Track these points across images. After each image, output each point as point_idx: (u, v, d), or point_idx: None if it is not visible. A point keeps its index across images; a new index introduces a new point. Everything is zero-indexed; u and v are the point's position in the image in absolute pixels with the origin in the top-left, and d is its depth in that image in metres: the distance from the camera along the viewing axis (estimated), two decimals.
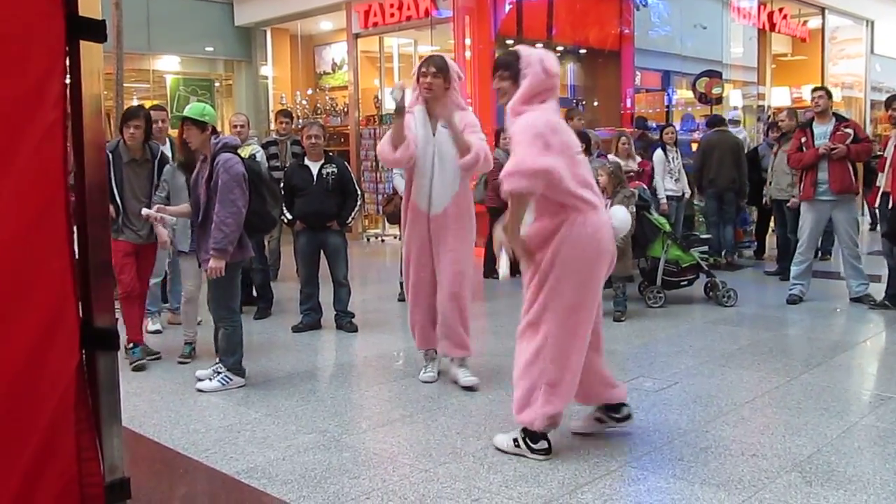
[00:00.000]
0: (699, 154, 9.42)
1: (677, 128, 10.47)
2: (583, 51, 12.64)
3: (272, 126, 11.60)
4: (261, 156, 7.08)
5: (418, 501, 3.17)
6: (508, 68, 3.55)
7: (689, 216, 9.73)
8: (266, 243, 7.41)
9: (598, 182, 4.28)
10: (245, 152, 6.25)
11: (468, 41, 11.42)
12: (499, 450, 3.66)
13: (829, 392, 4.54)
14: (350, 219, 6.41)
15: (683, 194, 9.26)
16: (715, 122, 9.86)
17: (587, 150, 6.49)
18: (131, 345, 5.32)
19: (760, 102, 14.15)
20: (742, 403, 4.35)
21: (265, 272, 7.17)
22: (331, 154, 6.51)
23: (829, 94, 7.23)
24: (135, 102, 13.21)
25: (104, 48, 1.91)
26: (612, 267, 3.67)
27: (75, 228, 1.93)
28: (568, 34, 12.31)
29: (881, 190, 6.67)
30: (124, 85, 8.09)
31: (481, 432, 3.97)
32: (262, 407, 4.47)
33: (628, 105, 12.14)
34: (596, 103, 12.75)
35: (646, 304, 7.00)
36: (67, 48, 1.82)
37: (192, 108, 4.79)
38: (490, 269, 9.00)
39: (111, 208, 5.06)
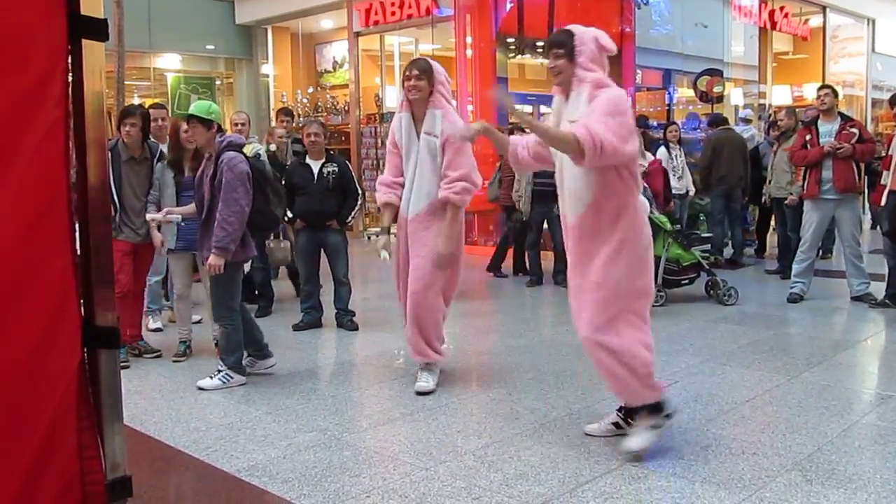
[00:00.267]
0: (708, 151, 9.39)
1: (681, 126, 10.47)
2: None
3: (273, 124, 11.59)
4: (264, 155, 7.08)
5: (419, 500, 3.17)
6: (563, 46, 3.47)
7: (689, 215, 9.74)
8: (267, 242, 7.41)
9: None
10: (246, 150, 6.25)
11: (469, 39, 11.42)
12: (635, 453, 3.52)
13: (829, 391, 4.54)
14: (350, 218, 6.41)
15: (687, 192, 9.27)
16: (718, 120, 9.87)
17: None
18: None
19: (761, 101, 14.13)
20: (743, 402, 4.35)
21: (266, 271, 7.17)
22: (332, 153, 6.51)
23: (835, 93, 7.25)
24: (136, 100, 13.25)
25: (105, 46, 1.92)
26: None
27: (77, 227, 1.93)
28: None
29: (888, 189, 6.67)
30: (125, 83, 8.10)
31: (482, 431, 3.97)
32: (263, 405, 4.48)
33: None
34: None
35: None
36: (69, 47, 1.82)
37: (198, 106, 4.79)
38: (496, 266, 8.99)
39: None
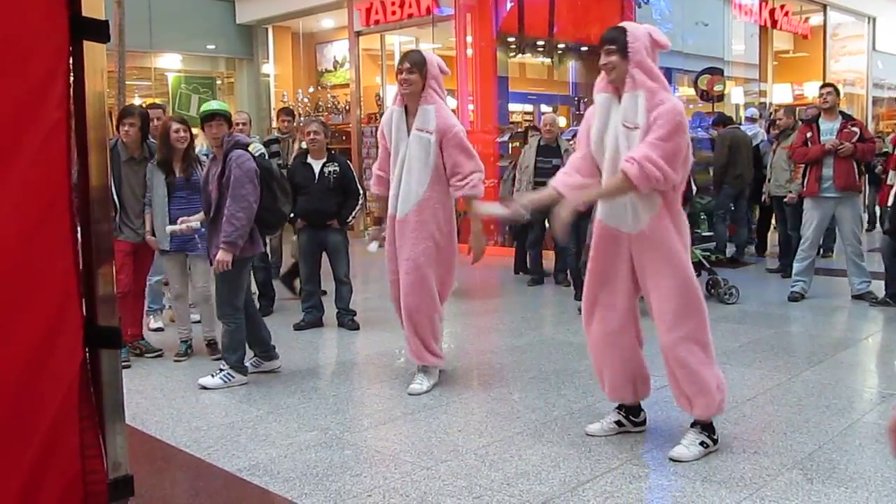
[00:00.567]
0: (723, 150, 9.30)
1: (690, 125, 10.45)
2: (584, 48, 12.62)
3: (274, 124, 11.59)
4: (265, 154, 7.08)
5: (420, 499, 3.18)
6: (615, 42, 3.43)
7: (689, 214, 9.72)
8: (268, 241, 7.42)
9: None
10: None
11: (470, 39, 11.42)
12: (677, 461, 3.50)
13: (830, 389, 4.54)
14: (351, 217, 6.42)
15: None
16: (724, 119, 9.87)
17: None
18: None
19: (762, 99, 14.12)
20: (743, 401, 4.35)
21: (267, 270, 7.18)
22: (333, 152, 6.51)
23: (838, 92, 7.26)
24: (137, 100, 13.25)
25: (106, 46, 1.92)
26: None
27: (79, 227, 1.94)
28: (569, 32, 12.29)
29: (894, 188, 6.67)
30: (126, 83, 8.10)
31: (483, 430, 3.98)
32: (264, 404, 4.48)
33: None
34: None
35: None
36: (71, 48, 1.82)
37: (222, 105, 4.93)
38: (522, 267, 8.93)
39: None
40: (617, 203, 3.52)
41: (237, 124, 7.26)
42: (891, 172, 6.77)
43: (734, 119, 10.97)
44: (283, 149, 7.64)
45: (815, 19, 15.30)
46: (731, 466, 3.43)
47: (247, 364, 4.94)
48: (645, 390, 3.84)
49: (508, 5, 11.64)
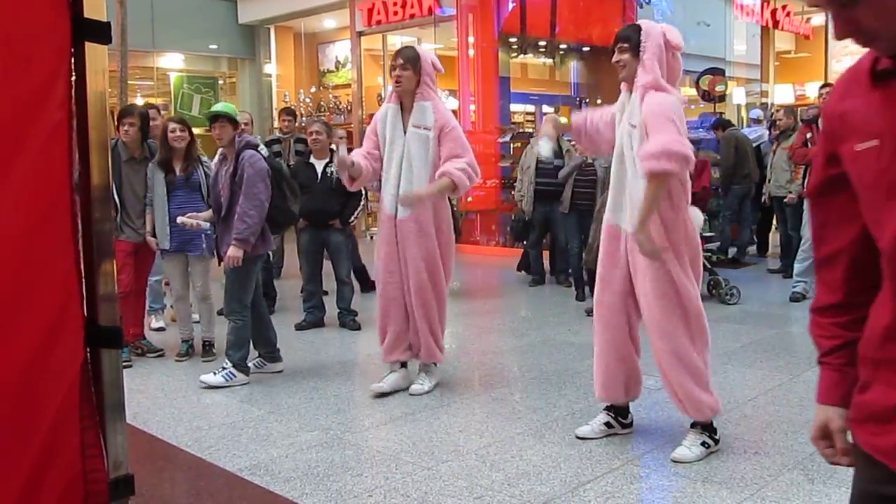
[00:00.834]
0: (731, 150, 9.26)
1: (695, 126, 10.46)
2: (586, 48, 12.63)
3: (276, 124, 11.61)
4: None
5: (421, 499, 3.18)
6: (628, 41, 3.47)
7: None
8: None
9: None
10: None
11: (471, 39, 11.43)
12: (680, 462, 3.49)
13: None
14: (353, 218, 6.42)
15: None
16: (724, 123, 9.85)
17: None
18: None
19: (763, 100, 14.12)
20: (745, 401, 4.35)
21: (268, 270, 7.18)
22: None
23: None
24: (139, 100, 13.25)
25: (108, 46, 1.93)
26: None
27: (80, 227, 1.94)
28: (571, 32, 12.30)
29: None
30: (128, 82, 8.11)
31: (484, 430, 3.98)
32: (266, 404, 4.49)
33: None
34: (599, 101, 12.73)
35: None
36: (73, 49, 1.83)
37: (226, 106, 4.95)
38: (526, 267, 8.87)
39: None
40: (620, 199, 3.53)
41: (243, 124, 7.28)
42: None
43: (733, 122, 10.95)
44: (285, 149, 7.65)
45: (817, 19, 15.30)
46: (732, 467, 3.43)
47: (250, 364, 4.95)
48: (636, 392, 3.82)
49: (510, 5, 11.64)
